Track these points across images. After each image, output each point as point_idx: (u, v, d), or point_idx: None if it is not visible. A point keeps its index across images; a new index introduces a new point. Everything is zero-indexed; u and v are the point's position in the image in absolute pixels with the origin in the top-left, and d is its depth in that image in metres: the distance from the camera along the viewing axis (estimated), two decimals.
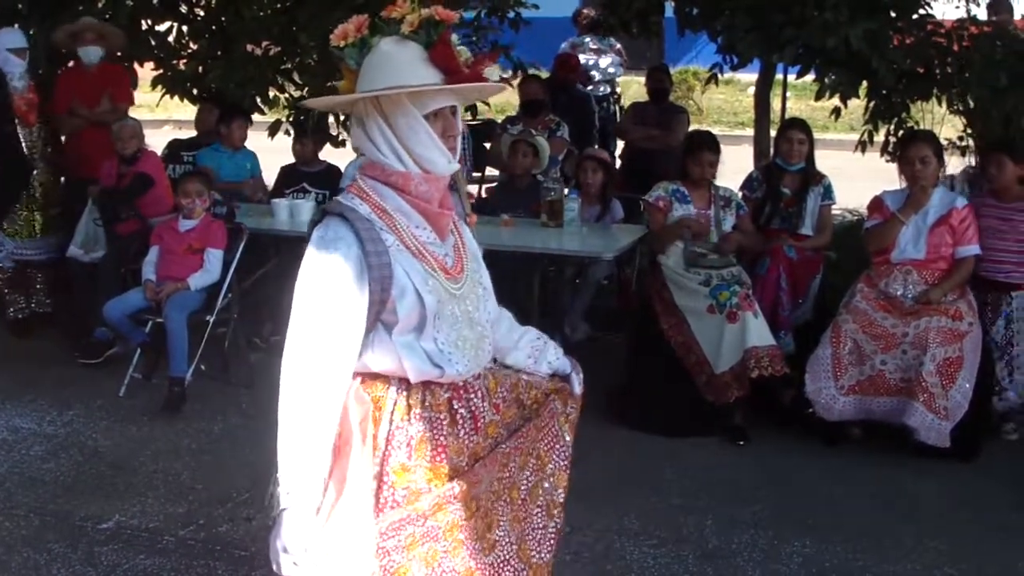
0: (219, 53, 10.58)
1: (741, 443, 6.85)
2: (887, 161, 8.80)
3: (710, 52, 10.18)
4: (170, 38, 10.93)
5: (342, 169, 9.15)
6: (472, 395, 3.26)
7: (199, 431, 7.10)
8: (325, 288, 3.02)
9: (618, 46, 13.39)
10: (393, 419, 3.15)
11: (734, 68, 9.54)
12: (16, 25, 9.31)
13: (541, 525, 3.47)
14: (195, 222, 7.80)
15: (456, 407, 3.22)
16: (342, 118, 10.67)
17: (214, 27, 10.80)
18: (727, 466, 6.59)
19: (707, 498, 6.11)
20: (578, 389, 3.61)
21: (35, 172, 8.79)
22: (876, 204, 7.13)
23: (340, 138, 10.74)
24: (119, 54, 9.86)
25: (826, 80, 8.52)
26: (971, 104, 8.68)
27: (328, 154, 9.96)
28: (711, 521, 5.82)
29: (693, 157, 7.40)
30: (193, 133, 10.13)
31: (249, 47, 10.64)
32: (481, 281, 3.35)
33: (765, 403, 7.02)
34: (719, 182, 7.56)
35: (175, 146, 9.84)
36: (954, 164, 8.77)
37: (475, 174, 10.37)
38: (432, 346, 3.13)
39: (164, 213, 8.22)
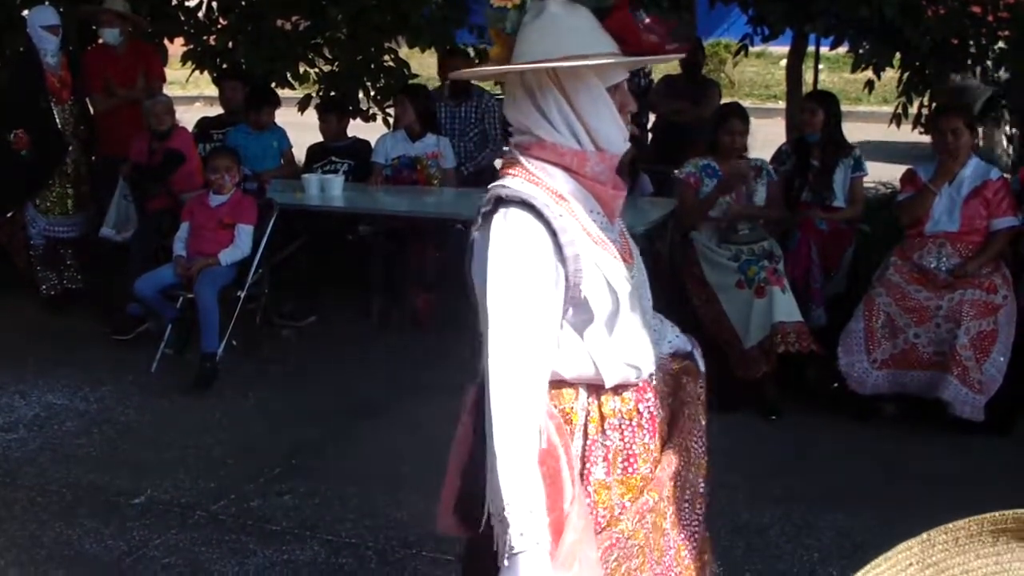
0: (248, 28, 10.58)
1: (773, 418, 6.81)
2: (920, 133, 8.74)
3: (742, 25, 10.12)
4: (200, 14, 10.95)
5: (371, 142, 9.18)
6: (650, 394, 2.94)
7: (230, 406, 7.12)
8: (524, 289, 2.63)
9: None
10: (588, 432, 2.81)
11: (765, 39, 9.48)
12: (47, 2, 9.34)
13: (687, 520, 3.11)
14: (225, 197, 7.81)
15: (641, 410, 2.89)
16: (372, 92, 10.68)
17: (243, 2, 10.80)
18: (759, 441, 6.56)
19: (739, 472, 6.07)
20: (702, 366, 3.26)
21: (69, 149, 8.83)
22: (909, 177, 7.07)
23: (370, 112, 10.75)
24: (150, 31, 9.89)
25: (860, 51, 8.44)
26: (1006, 74, 8.61)
27: (358, 129, 9.97)
28: (743, 495, 5.79)
29: (722, 127, 7.36)
30: (222, 110, 10.14)
31: (279, 22, 10.64)
32: (643, 266, 3.02)
33: (795, 378, 6.99)
34: (751, 155, 7.51)
35: (204, 124, 9.84)
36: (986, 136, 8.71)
37: (505, 148, 10.34)
38: (625, 344, 2.80)
39: (194, 189, 8.23)
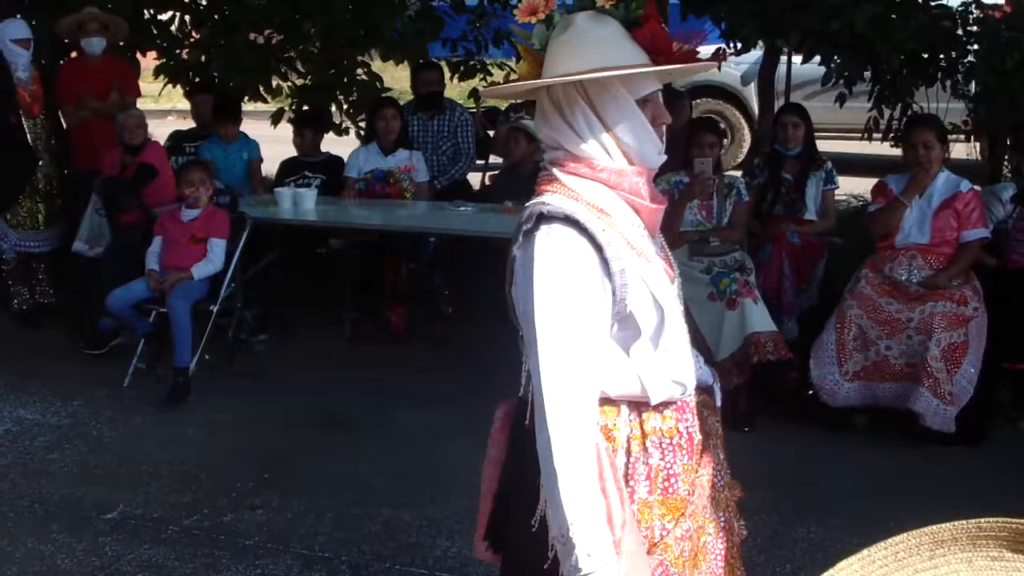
0: (222, 42, 10.57)
1: (746, 429, 6.81)
2: (891, 146, 8.78)
3: (714, 38, 10.15)
4: (173, 27, 10.93)
5: (344, 158, 9.18)
6: (689, 414, 2.86)
7: (203, 421, 7.09)
8: (572, 305, 2.56)
9: None
10: (631, 449, 2.75)
11: (737, 53, 9.50)
12: (19, 15, 9.30)
13: (717, 556, 3.06)
14: (198, 212, 7.80)
15: (681, 429, 2.82)
16: (345, 106, 10.69)
17: (216, 16, 10.80)
18: (732, 452, 6.47)
19: None
20: (719, 401, 3.18)
21: (39, 163, 8.80)
22: (880, 188, 7.11)
23: (344, 126, 10.75)
24: (121, 44, 9.86)
25: (831, 65, 8.48)
26: (976, 88, 8.65)
27: (330, 143, 9.96)
28: None
29: (692, 140, 7.38)
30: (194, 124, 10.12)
31: (252, 36, 10.63)
32: (680, 282, 2.93)
33: (769, 389, 7.01)
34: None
35: (177, 137, 9.84)
36: (958, 150, 8.74)
37: (479, 162, 10.35)
38: (671, 360, 2.74)
39: (167, 203, 8.22)
